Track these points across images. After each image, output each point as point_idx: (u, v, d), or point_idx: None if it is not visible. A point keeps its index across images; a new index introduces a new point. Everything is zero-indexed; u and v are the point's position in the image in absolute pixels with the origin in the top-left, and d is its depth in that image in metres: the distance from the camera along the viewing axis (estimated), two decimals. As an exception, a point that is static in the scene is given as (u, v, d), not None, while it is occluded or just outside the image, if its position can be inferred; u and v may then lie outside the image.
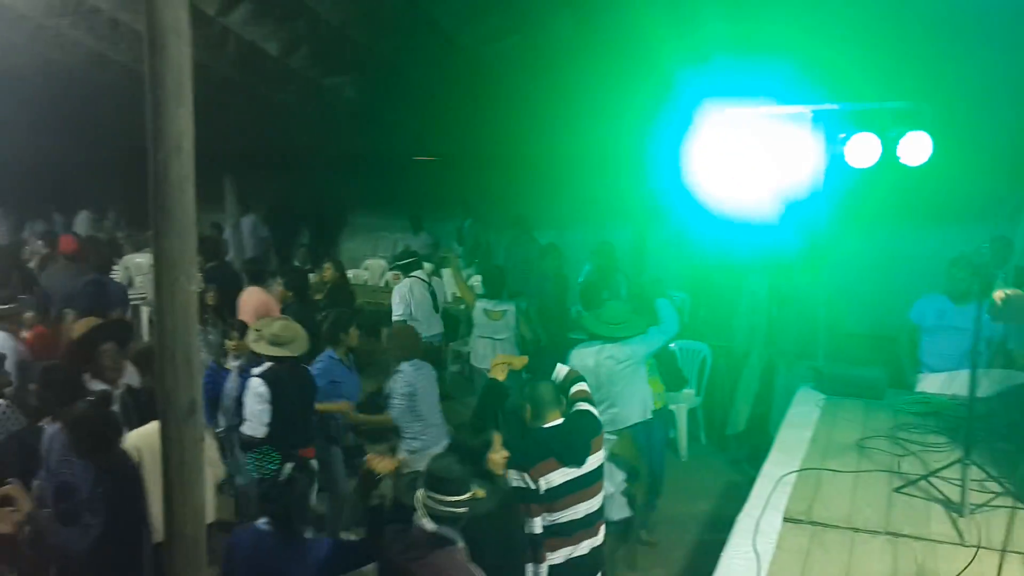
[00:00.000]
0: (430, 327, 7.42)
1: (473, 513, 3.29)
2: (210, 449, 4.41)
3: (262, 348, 5.00)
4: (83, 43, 5.89)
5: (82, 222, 13.30)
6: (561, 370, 4.44)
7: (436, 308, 7.69)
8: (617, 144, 8.14)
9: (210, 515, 3.87)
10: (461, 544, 3.22)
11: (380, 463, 3.75)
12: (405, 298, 7.37)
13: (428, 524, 3.20)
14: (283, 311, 6.53)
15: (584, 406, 4.11)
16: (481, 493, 3.32)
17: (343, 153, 10.82)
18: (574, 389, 4.27)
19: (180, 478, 3.60)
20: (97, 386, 4.91)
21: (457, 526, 3.23)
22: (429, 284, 7.66)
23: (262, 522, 3.55)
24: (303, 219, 13.04)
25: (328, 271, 7.76)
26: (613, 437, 4.97)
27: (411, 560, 3.17)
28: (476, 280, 10.50)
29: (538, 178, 9.84)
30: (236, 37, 5.37)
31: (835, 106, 5.52)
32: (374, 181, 11.85)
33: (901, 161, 5.42)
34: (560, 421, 3.98)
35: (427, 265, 10.88)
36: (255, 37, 5.39)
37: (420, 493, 3.26)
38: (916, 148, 5.36)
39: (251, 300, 6.75)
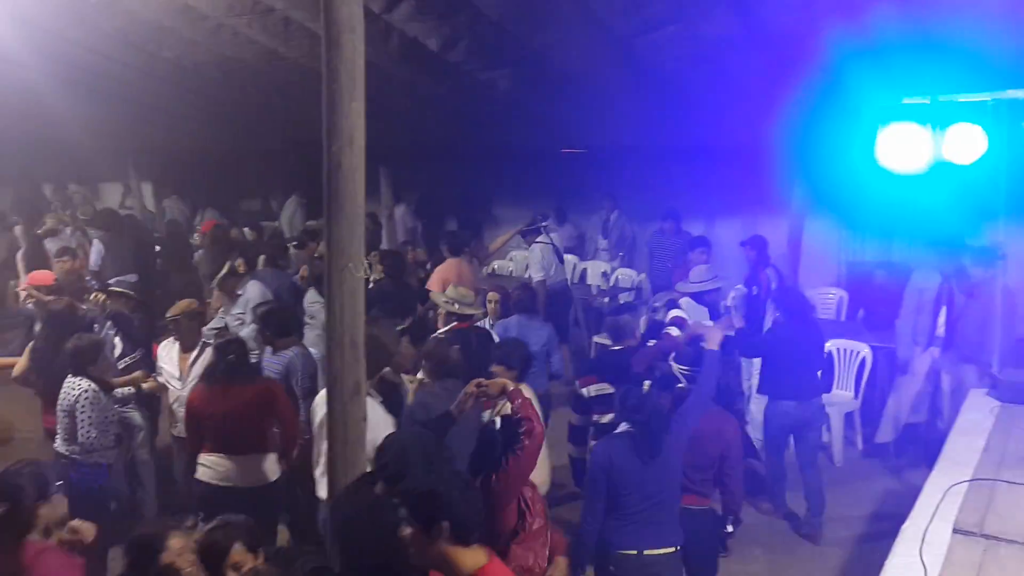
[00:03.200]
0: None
1: None
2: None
3: (459, 309, 5.77)
4: (257, 40, 6.23)
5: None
6: None
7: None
8: (773, 136, 7.91)
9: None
10: None
11: None
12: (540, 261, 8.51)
13: None
14: (375, 290, 6.96)
15: None
16: None
17: (491, 145, 10.99)
18: None
19: (344, 454, 3.79)
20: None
21: None
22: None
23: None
24: (450, 211, 13.34)
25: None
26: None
27: None
28: (623, 273, 10.50)
29: (687, 170, 9.70)
30: (399, 33, 5.55)
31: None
32: (520, 173, 11.98)
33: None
34: None
35: (570, 258, 10.99)
36: (417, 33, 5.54)
37: None
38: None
39: (442, 271, 7.58)
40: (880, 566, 3.29)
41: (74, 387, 4.97)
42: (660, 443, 4.00)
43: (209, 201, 14.98)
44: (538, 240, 8.81)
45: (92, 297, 6.70)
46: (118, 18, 6.14)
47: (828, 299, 8.97)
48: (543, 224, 9.04)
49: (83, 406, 4.90)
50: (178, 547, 3.17)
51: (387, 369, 4.90)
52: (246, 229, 11.97)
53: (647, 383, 4.19)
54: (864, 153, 5.62)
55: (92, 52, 7.11)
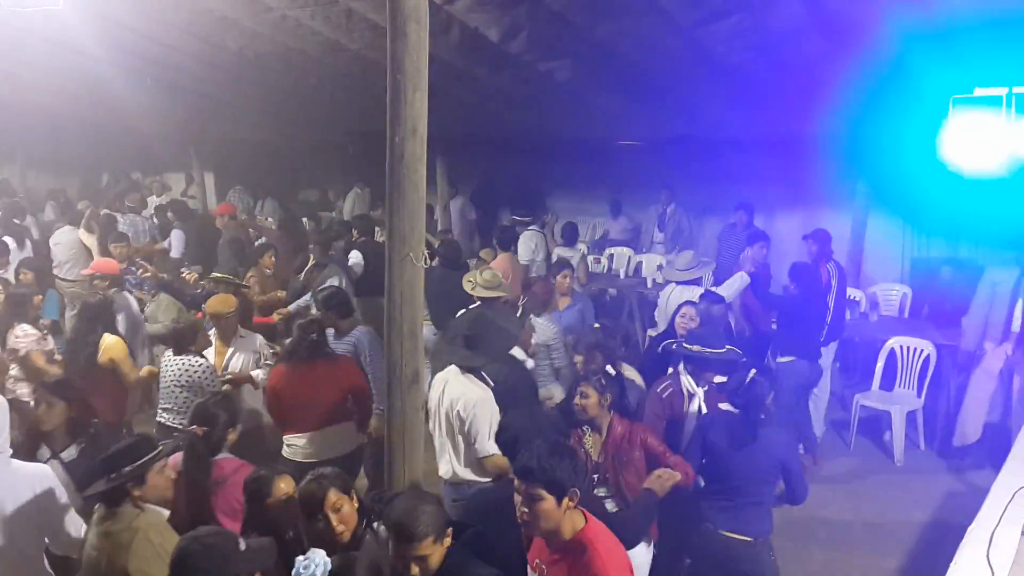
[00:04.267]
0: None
1: None
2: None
3: (478, 292, 5.91)
4: (320, 32, 6.29)
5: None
6: None
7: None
8: (836, 128, 7.75)
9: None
10: None
11: None
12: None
13: None
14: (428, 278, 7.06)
15: None
16: None
17: (548, 137, 10.96)
18: None
19: (402, 442, 3.83)
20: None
21: None
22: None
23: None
24: (506, 202, 13.35)
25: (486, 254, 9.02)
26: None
27: None
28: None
29: (748, 162, 9.55)
30: (460, 24, 5.55)
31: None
32: (576, 165, 11.94)
33: None
34: None
35: (624, 250, 10.91)
36: (478, 23, 5.54)
37: None
38: None
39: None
40: (944, 568, 3.20)
41: (192, 365, 5.29)
42: (755, 431, 4.04)
43: (269, 191, 15.21)
44: (530, 228, 9.69)
45: (188, 275, 6.92)
46: (184, 10, 6.27)
47: (891, 296, 8.79)
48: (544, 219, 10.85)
49: (210, 382, 5.29)
50: (285, 490, 3.41)
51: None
52: (304, 219, 12.13)
53: (753, 371, 4.18)
54: (932, 146, 5.46)
55: (158, 43, 7.27)
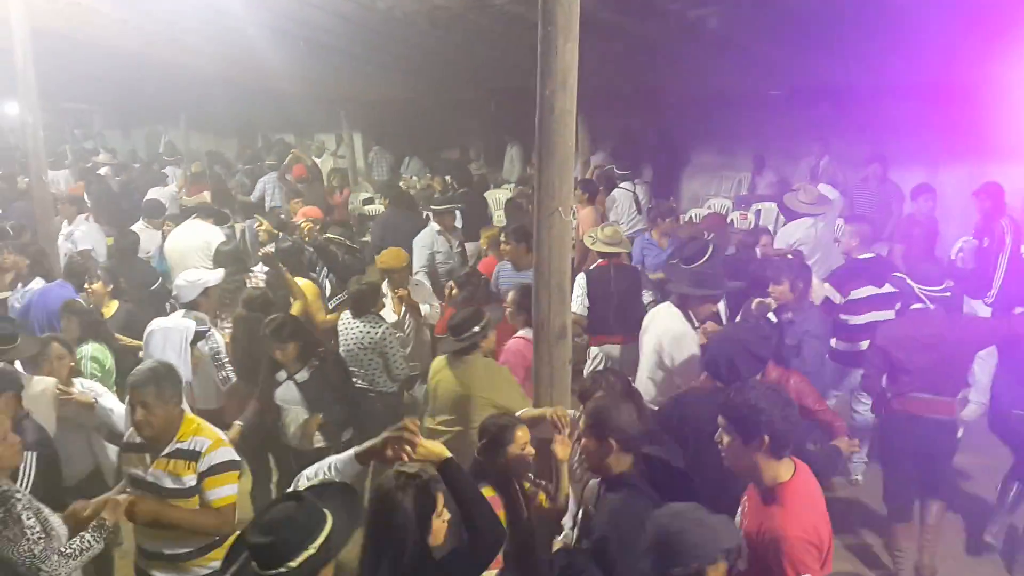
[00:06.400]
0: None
1: None
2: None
3: (598, 247, 6.15)
4: (465, -13, 6.34)
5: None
6: None
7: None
8: (1010, 73, 7.12)
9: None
10: None
11: None
12: None
13: None
14: None
15: None
16: None
17: (693, 88, 10.63)
18: None
19: (550, 395, 3.86)
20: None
21: None
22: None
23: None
24: (647, 158, 13.09)
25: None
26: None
27: None
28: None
29: (909, 111, 8.92)
30: (606, -29, 5.45)
31: None
32: (721, 117, 11.50)
33: None
34: None
35: (770, 206, 10.46)
36: (625, -28, 5.43)
37: None
38: None
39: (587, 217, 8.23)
40: None
41: (373, 327, 5.38)
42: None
43: (412, 150, 15.53)
44: (621, 186, 9.89)
45: (306, 229, 7.23)
46: (335, -29, 6.42)
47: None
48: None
49: (390, 342, 5.40)
50: (523, 438, 3.45)
51: None
52: (447, 177, 12.33)
53: None
54: None
55: (307, 4, 7.48)
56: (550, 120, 3.47)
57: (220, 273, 5.74)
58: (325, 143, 16.33)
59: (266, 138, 17.49)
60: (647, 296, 6.85)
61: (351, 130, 15.14)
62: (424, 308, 6.14)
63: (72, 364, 4.49)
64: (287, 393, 4.78)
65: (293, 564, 2.24)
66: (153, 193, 10.86)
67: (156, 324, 4.86)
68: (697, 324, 4.87)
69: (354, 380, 5.31)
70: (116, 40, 10.01)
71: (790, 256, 6.22)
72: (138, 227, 8.30)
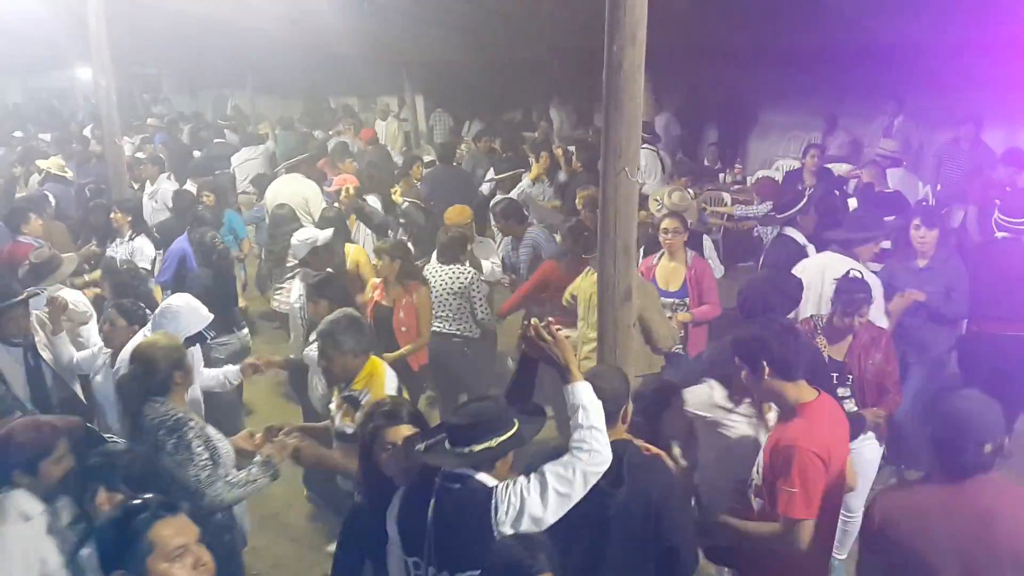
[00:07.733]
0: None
1: None
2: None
3: (664, 213, 6.12)
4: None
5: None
6: None
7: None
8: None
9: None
10: None
11: None
12: None
13: None
14: None
15: None
16: None
17: (761, 45, 10.27)
18: None
19: (614, 358, 3.82)
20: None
21: None
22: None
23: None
24: (713, 117, 12.79)
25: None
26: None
27: None
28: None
29: (989, 68, 8.45)
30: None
31: None
32: (791, 75, 11.08)
33: None
34: None
35: (845, 166, 10.07)
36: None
37: None
38: None
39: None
40: None
41: (462, 273, 5.71)
42: None
43: (473, 113, 15.43)
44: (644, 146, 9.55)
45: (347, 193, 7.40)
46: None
47: None
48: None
49: (477, 287, 5.71)
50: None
51: None
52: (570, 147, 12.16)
53: None
54: None
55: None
56: (618, 77, 3.38)
57: (329, 232, 5.98)
58: (389, 105, 16.34)
59: (329, 102, 17.59)
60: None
61: (413, 93, 15.10)
62: (486, 265, 6.31)
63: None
64: (313, 353, 4.74)
65: (476, 448, 2.63)
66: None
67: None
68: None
69: (442, 326, 5.67)
70: (183, 3, 10.12)
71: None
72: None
